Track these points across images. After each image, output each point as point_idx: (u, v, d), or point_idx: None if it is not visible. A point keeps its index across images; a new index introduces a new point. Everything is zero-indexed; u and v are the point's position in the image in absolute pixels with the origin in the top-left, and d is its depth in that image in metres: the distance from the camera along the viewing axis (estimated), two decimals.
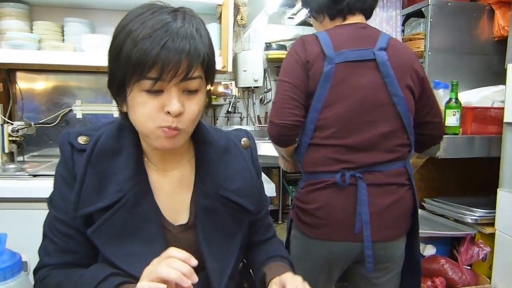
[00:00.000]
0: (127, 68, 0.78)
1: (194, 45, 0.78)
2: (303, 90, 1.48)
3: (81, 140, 0.91)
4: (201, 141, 0.96)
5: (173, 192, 0.95)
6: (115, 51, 0.81)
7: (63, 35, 2.28)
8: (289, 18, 4.32)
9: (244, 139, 1.05)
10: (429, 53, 2.50)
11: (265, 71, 4.29)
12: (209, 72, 0.85)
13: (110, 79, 0.84)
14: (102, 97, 2.49)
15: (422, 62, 2.60)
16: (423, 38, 2.56)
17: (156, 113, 0.81)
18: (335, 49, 1.48)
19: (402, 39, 2.66)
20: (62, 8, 2.33)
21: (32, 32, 2.24)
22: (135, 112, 0.83)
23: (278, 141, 1.55)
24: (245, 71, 3.95)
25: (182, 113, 0.81)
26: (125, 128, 0.91)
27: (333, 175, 1.49)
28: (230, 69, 2.22)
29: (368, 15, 1.63)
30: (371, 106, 1.48)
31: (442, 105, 2.09)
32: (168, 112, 0.80)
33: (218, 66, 2.18)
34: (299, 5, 3.64)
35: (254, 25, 4.27)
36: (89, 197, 0.87)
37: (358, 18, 1.59)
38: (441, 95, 2.23)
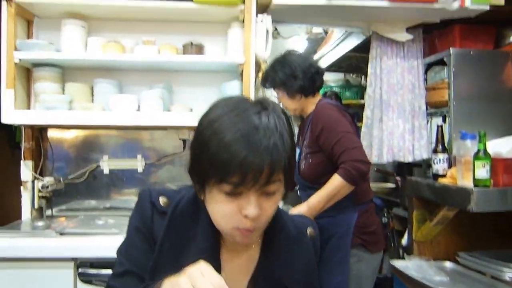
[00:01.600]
0: (210, 168, 0.79)
1: (277, 153, 0.78)
2: None
3: (162, 201, 0.93)
4: (273, 226, 0.95)
5: (235, 270, 0.96)
6: (199, 147, 0.82)
7: (92, 95, 2.38)
8: None
9: (309, 229, 1.05)
10: (454, 102, 2.47)
11: (284, 109, 4.33)
12: (289, 173, 0.85)
13: (191, 168, 0.86)
14: (129, 152, 2.56)
15: (447, 112, 2.57)
16: (446, 87, 2.53)
17: (233, 215, 0.82)
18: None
19: (426, 88, 2.64)
20: (92, 70, 2.44)
21: (64, 93, 2.35)
22: (212, 208, 0.85)
23: (364, 178, 1.95)
24: None
25: (259, 215, 0.82)
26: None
27: (373, 200, 2.13)
28: None
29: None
30: None
31: (470, 157, 2.03)
32: (246, 216, 0.81)
33: None
34: (321, 51, 3.70)
35: None
36: (167, 264, 0.88)
37: (319, 93, 2.15)
38: (469, 146, 2.16)
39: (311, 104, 2.09)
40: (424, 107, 2.60)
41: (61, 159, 2.58)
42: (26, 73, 2.41)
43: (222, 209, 0.82)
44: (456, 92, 2.47)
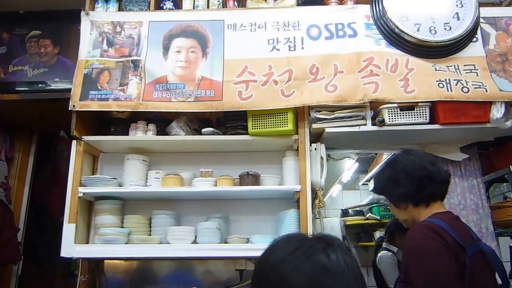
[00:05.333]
0: None
1: None
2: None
3: None
4: None
5: None
6: None
7: (150, 226, 2.41)
8: (363, 184, 4.38)
9: None
10: None
11: (344, 238, 4.22)
12: None
13: None
14: (184, 283, 2.50)
15: None
16: None
17: None
18: (462, 240, 1.52)
19: (490, 207, 2.52)
20: (151, 201, 2.51)
21: (123, 225, 2.39)
22: None
23: None
24: None
25: None
26: None
27: None
28: None
29: (442, 199, 1.73)
30: None
31: None
32: None
33: None
34: (372, 171, 3.69)
35: (330, 192, 4.36)
36: None
37: (438, 204, 1.69)
38: None
39: (423, 217, 1.65)
40: (491, 227, 2.44)
41: None
42: (88, 205, 2.50)
43: None
44: None
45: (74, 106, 2.35)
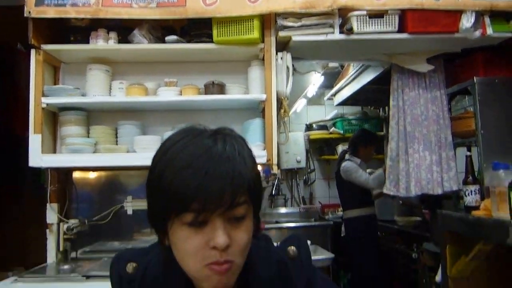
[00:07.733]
0: (167, 200, 0.73)
1: (238, 170, 0.73)
2: None
3: (130, 268, 0.87)
4: (246, 272, 0.84)
5: None
6: (154, 182, 0.76)
7: (116, 137, 2.41)
8: (328, 99, 4.39)
9: (291, 248, 0.90)
10: (482, 131, 2.40)
11: (307, 151, 4.32)
12: (255, 195, 0.78)
13: (149, 211, 0.80)
14: None
15: (474, 142, 2.49)
16: (472, 117, 2.48)
17: (200, 250, 0.73)
18: None
19: (451, 118, 2.59)
20: (116, 112, 2.49)
21: (89, 136, 2.39)
22: (178, 250, 0.77)
23: None
24: (287, 152, 3.99)
25: (229, 245, 0.73)
26: (174, 257, 0.83)
27: None
28: (275, 161, 2.22)
29: None
30: None
31: (504, 187, 1.95)
32: (214, 247, 0.73)
33: (263, 160, 2.19)
34: (338, 86, 3.69)
35: (294, 107, 4.39)
36: None
37: None
38: (502, 177, 2.08)
39: None
40: (450, 138, 2.53)
41: (85, 200, 2.60)
42: (53, 117, 2.46)
43: (188, 245, 0.74)
44: (483, 121, 2.41)
45: (29, 12, 2.21)
